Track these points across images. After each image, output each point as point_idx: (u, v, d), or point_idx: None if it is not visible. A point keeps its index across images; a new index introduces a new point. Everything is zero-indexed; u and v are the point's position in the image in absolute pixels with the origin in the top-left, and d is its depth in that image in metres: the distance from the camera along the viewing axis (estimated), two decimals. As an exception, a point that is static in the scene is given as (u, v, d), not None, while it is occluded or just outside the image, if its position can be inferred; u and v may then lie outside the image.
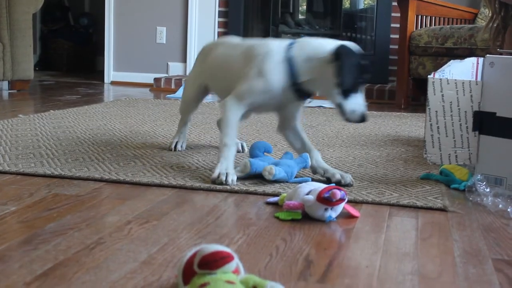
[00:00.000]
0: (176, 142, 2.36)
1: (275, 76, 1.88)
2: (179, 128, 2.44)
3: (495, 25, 2.48)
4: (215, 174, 1.82)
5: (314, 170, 1.96)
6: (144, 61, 5.52)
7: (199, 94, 2.35)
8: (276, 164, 1.88)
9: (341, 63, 1.80)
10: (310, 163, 1.94)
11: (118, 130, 2.76)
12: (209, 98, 4.40)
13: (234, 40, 2.21)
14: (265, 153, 2.06)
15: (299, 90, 1.90)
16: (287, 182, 1.85)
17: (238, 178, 1.86)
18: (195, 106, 2.41)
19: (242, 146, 2.38)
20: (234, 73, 2.00)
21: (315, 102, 4.31)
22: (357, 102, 1.84)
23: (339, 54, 1.81)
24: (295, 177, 1.89)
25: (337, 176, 1.87)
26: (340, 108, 1.86)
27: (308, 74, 1.87)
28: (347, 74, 1.81)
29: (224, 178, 1.81)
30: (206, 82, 2.28)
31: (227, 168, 1.85)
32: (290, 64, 1.88)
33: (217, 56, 2.17)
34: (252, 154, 2.04)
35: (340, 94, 1.83)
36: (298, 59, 1.88)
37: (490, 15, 2.53)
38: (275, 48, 1.92)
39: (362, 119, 1.85)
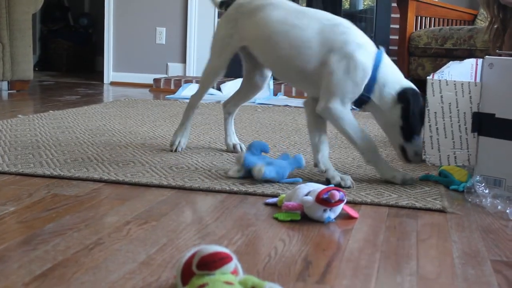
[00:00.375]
0: (178, 143, 2.32)
1: (368, 70, 1.87)
2: (185, 117, 2.35)
3: (495, 27, 2.48)
4: (400, 181, 1.89)
5: (316, 164, 1.96)
6: (143, 62, 5.53)
7: (231, 57, 2.22)
8: (269, 164, 1.87)
9: (409, 108, 1.85)
10: (304, 164, 1.94)
11: (117, 131, 2.76)
12: (208, 99, 4.40)
13: (290, 3, 2.09)
14: (262, 153, 2.06)
15: (360, 100, 1.90)
16: (278, 182, 1.85)
17: (233, 178, 1.87)
18: (222, 73, 2.26)
19: (241, 147, 2.38)
20: (307, 51, 1.92)
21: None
22: (418, 144, 1.88)
23: (406, 99, 1.85)
24: (288, 177, 1.89)
25: (337, 178, 1.87)
26: (401, 150, 1.91)
27: (378, 98, 1.88)
28: (414, 119, 1.86)
29: (406, 178, 1.89)
30: (246, 44, 2.14)
31: (393, 172, 1.91)
32: (373, 74, 1.87)
33: (275, 21, 2.01)
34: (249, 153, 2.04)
35: (402, 136, 1.88)
36: (379, 76, 1.88)
37: (489, 19, 2.53)
38: (369, 48, 1.90)
39: (423, 160, 1.89)
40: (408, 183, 1.89)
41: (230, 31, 2.18)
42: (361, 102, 1.91)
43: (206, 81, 2.31)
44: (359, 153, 1.96)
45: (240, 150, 2.36)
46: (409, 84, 1.91)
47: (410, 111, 1.85)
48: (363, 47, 1.89)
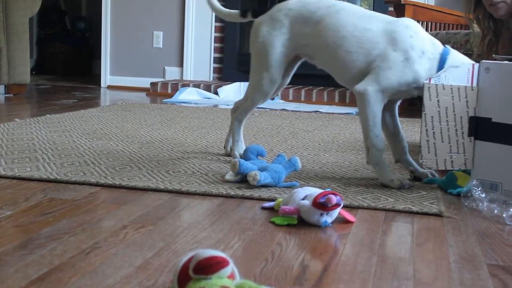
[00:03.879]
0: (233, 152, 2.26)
1: (419, 78, 1.90)
2: (233, 128, 2.29)
3: (487, 40, 2.50)
4: (392, 184, 1.90)
5: (403, 162, 2.09)
6: (140, 66, 5.52)
7: (286, 66, 2.15)
8: (264, 169, 1.87)
9: None
10: (299, 166, 1.94)
11: (114, 135, 2.76)
12: (205, 103, 4.40)
13: (350, 5, 2.07)
14: (258, 157, 2.06)
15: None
16: (275, 186, 1.86)
17: (230, 182, 1.88)
18: (279, 83, 2.18)
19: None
20: (375, 51, 1.93)
21: (311, 107, 4.32)
22: None
23: None
24: (285, 180, 1.90)
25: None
26: None
27: None
28: None
29: (403, 183, 1.90)
30: (304, 51, 2.10)
31: (392, 176, 1.92)
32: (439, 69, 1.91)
33: (346, 25, 1.98)
34: (245, 157, 2.04)
35: None
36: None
37: (481, 34, 2.55)
38: (431, 54, 1.92)
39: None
40: (405, 188, 1.89)
41: (282, 39, 2.10)
42: None
43: (262, 95, 2.19)
44: (365, 148, 1.97)
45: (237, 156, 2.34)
46: None
47: None
48: (425, 54, 1.92)
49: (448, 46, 1.96)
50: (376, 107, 1.91)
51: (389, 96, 1.93)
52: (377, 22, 1.98)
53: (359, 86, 1.91)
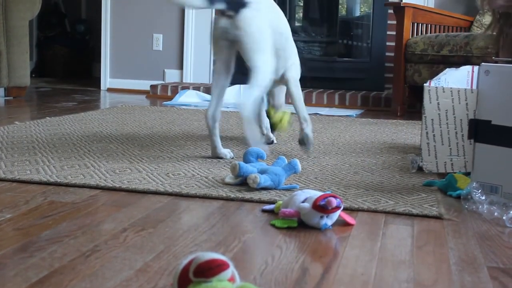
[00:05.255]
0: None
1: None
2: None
3: (495, 32, 2.50)
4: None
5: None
6: (140, 68, 5.53)
7: None
8: (264, 172, 1.87)
9: None
10: (299, 169, 1.94)
11: (114, 137, 2.76)
12: (206, 105, 4.39)
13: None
14: (258, 159, 2.06)
15: None
16: (275, 189, 1.85)
17: (230, 185, 1.88)
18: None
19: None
20: (288, 42, 2.46)
21: (311, 109, 4.32)
22: None
23: None
24: (285, 183, 1.90)
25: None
26: None
27: None
28: None
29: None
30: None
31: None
32: None
33: (276, 23, 2.38)
34: (245, 160, 2.04)
35: None
36: None
37: (490, 22, 2.55)
38: None
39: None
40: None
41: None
42: None
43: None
44: (302, 121, 2.46)
45: (232, 155, 2.35)
46: None
47: None
48: None
49: None
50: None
51: None
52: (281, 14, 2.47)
53: (296, 75, 2.45)
